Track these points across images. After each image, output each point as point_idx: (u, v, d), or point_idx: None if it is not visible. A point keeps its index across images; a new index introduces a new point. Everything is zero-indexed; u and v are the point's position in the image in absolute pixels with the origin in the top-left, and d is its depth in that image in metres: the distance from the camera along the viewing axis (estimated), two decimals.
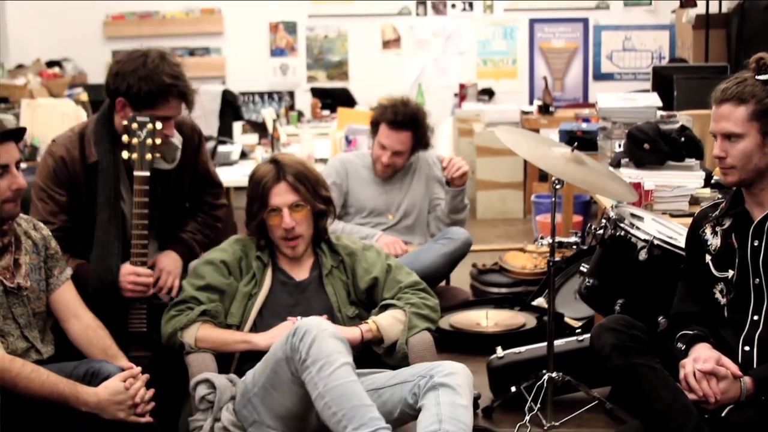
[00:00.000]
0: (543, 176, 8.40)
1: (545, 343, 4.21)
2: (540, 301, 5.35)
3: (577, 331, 4.41)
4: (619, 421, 3.95)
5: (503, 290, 5.78)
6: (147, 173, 3.31)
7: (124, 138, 3.31)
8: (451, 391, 2.77)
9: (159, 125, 3.33)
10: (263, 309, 3.23)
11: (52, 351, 3.11)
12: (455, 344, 4.82)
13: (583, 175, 3.67)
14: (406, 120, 4.59)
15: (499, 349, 4.27)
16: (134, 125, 3.30)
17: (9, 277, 2.97)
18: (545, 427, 3.85)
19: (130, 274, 3.34)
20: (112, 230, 3.42)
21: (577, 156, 3.71)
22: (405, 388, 2.87)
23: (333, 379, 2.70)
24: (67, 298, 3.15)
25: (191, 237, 3.72)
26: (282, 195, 3.26)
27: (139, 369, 2.99)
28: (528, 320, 5.16)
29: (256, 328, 3.20)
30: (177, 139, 3.55)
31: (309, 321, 2.83)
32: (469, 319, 5.18)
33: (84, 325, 3.14)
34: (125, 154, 3.31)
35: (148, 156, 3.31)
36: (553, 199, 3.79)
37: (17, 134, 2.94)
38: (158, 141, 3.33)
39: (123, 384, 2.88)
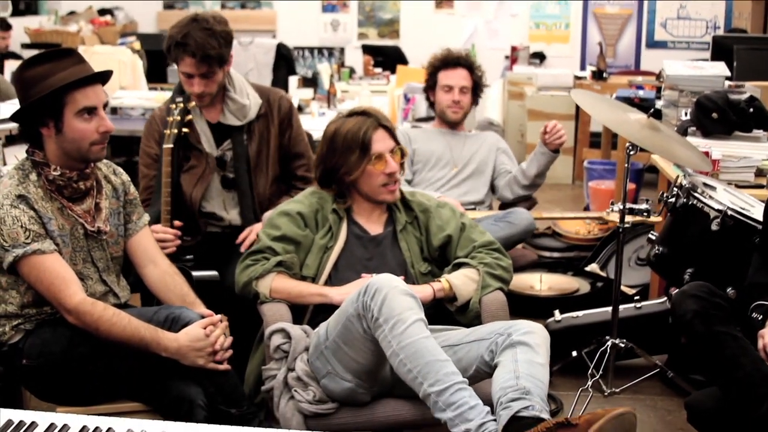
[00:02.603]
0: (594, 142, 8.35)
1: (602, 309, 4.22)
2: (593, 267, 5.34)
3: (636, 298, 4.39)
4: (678, 389, 3.95)
5: (555, 255, 5.79)
6: (171, 146, 3.56)
7: (169, 118, 3.63)
8: (528, 349, 2.76)
9: (192, 104, 3.65)
10: (338, 262, 3.22)
11: (128, 296, 3.13)
12: (508, 306, 4.81)
13: (659, 141, 3.63)
14: (460, 58, 4.89)
15: (557, 312, 4.28)
16: (173, 105, 3.62)
17: (90, 221, 2.97)
18: (605, 393, 3.86)
19: None
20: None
21: (652, 122, 3.68)
22: (482, 346, 2.86)
23: (406, 337, 2.69)
24: (145, 244, 3.15)
25: None
26: (383, 141, 3.27)
27: (219, 317, 3.00)
28: (582, 285, 5.16)
29: (331, 281, 3.20)
30: (252, 100, 3.77)
31: (379, 278, 2.80)
32: (523, 282, 5.18)
33: (161, 271, 3.14)
34: (166, 132, 3.60)
35: (174, 131, 3.59)
36: (626, 165, 3.74)
37: (104, 77, 2.93)
38: (188, 117, 3.65)
39: (203, 331, 2.88)
